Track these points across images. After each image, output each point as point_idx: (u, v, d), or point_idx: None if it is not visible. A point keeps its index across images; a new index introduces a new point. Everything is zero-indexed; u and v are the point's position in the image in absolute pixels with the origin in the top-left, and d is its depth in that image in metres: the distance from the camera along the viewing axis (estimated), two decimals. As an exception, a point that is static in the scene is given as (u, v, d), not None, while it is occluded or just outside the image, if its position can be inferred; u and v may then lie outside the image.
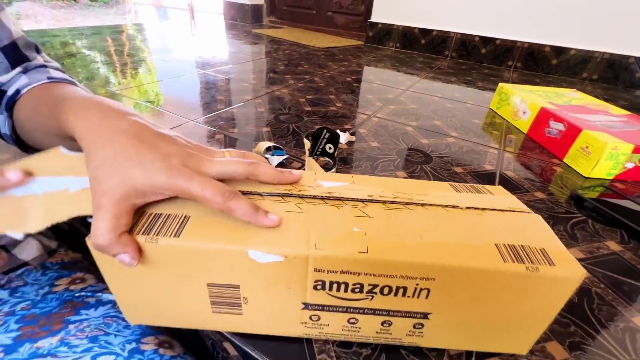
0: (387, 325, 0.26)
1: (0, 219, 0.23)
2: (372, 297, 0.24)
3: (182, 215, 0.24)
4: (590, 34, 1.31)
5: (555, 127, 0.67)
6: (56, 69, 0.38)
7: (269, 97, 0.86)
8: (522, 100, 0.78)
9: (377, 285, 0.23)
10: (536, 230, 0.25)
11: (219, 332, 0.30)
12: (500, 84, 0.87)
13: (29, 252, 0.38)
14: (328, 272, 0.23)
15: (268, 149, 0.54)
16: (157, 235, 0.22)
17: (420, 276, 0.23)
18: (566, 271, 0.22)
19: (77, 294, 0.36)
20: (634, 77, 1.30)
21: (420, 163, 0.59)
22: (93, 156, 0.22)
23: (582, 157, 0.60)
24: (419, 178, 0.54)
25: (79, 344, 0.30)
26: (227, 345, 0.30)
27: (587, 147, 0.59)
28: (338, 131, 0.65)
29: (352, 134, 0.67)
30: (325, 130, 0.52)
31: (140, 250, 0.22)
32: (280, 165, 0.53)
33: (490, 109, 0.91)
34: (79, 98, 0.26)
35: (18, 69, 0.35)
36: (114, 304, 0.36)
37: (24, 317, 0.32)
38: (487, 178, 0.56)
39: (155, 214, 0.24)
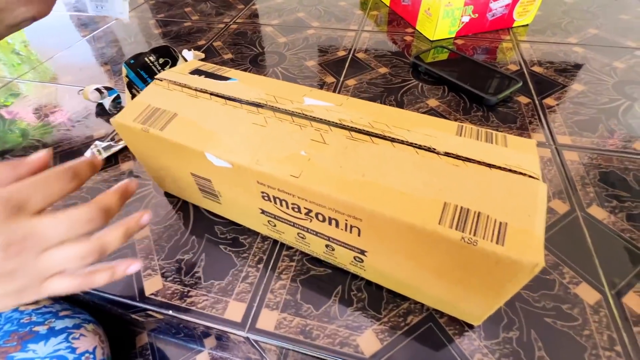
0: (331, 249, 0.27)
1: None
2: (310, 220, 0.25)
3: (171, 112, 0.28)
4: None
5: (407, -7, 0.65)
6: None
7: (114, 25, 0.74)
8: (381, -31, 0.73)
9: (311, 210, 0.24)
10: (518, 201, 0.20)
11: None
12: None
13: None
14: (268, 186, 0.25)
15: (98, 90, 0.49)
16: (149, 126, 0.28)
17: (347, 213, 0.22)
18: (515, 254, 0.18)
19: (24, 320, 0.32)
20: None
21: (273, 66, 0.57)
22: None
23: (427, 20, 0.61)
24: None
25: None
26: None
27: (428, 9, 0.59)
28: (185, 51, 0.60)
29: (203, 50, 0.62)
30: (150, 54, 0.47)
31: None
32: (117, 104, 0.50)
33: (362, -15, 0.86)
34: None
35: None
36: (67, 334, 0.32)
37: None
38: (336, 65, 0.56)
39: (152, 106, 0.29)
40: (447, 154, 0.23)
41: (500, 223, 0.19)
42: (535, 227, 0.18)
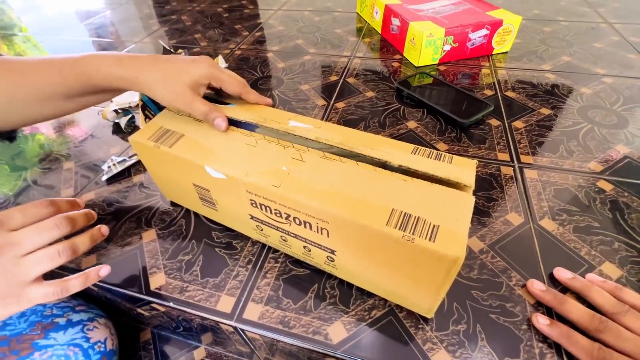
0: (308, 250, 0.32)
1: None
2: (290, 223, 0.30)
3: (179, 133, 0.34)
4: None
5: (395, 23, 0.72)
6: None
7: (132, 49, 0.82)
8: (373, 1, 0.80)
9: (290, 215, 0.29)
10: (451, 209, 0.25)
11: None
12: (358, -15, 0.88)
13: None
14: (255, 195, 0.30)
15: (115, 111, 0.56)
16: (160, 143, 0.33)
17: (317, 217, 0.27)
18: (441, 249, 0.22)
19: (46, 312, 0.36)
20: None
21: (271, 89, 0.63)
22: None
23: (412, 48, 0.67)
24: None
25: None
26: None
27: (413, 39, 0.65)
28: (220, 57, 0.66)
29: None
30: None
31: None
32: (131, 123, 0.56)
33: (357, 13, 0.93)
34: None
35: None
36: (83, 325, 0.36)
37: None
38: (328, 89, 0.62)
39: (164, 128, 0.35)
40: (400, 168, 0.28)
41: (434, 225, 0.24)
42: (460, 229, 0.23)
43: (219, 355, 0.45)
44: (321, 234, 0.29)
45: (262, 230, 0.34)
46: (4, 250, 0.25)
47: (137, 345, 0.47)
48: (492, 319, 0.30)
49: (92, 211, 0.31)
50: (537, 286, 0.30)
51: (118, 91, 0.38)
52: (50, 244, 0.29)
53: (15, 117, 0.35)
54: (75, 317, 0.37)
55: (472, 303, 0.31)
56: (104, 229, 0.32)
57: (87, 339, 0.35)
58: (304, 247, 0.32)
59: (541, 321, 0.28)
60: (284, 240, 0.33)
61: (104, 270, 0.31)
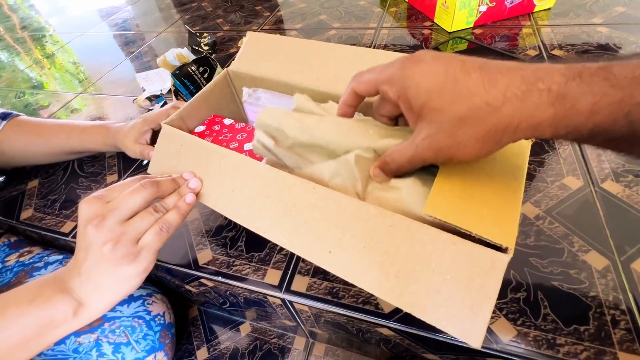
0: None
1: None
2: None
3: None
4: None
5: (424, -13, 0.67)
6: None
7: (155, 41, 0.83)
8: (399, -34, 0.76)
9: None
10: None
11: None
12: (381, -48, 0.83)
13: None
14: None
15: (148, 99, 0.57)
16: None
17: None
18: None
19: (27, 263, 0.42)
20: None
21: (298, 67, 0.62)
22: None
23: (444, 13, 0.62)
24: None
25: None
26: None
27: (445, 2, 0.61)
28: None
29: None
30: (192, 64, 0.54)
31: None
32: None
33: (380, -17, 0.88)
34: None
35: None
36: (143, 300, 0.39)
37: None
38: (357, 62, 0.60)
39: None
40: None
41: None
42: None
43: (264, 330, 0.46)
44: None
45: None
46: (107, 217, 0.26)
47: (185, 321, 0.49)
48: (555, 286, 0.28)
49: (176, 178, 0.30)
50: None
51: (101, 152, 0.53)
52: None
53: (24, 161, 0.53)
54: (135, 292, 0.39)
55: (530, 270, 0.29)
56: (189, 198, 0.29)
57: (149, 312, 0.37)
58: None
59: None
60: None
61: (189, 196, 0.29)
